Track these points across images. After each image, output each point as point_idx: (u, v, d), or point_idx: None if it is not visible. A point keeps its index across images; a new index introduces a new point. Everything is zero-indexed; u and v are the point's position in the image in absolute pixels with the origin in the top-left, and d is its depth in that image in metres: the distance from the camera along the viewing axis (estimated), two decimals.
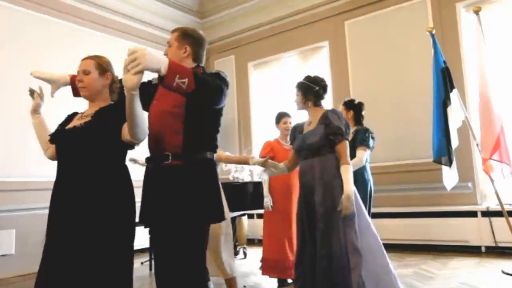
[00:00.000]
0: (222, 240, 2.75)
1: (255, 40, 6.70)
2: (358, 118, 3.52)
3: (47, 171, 4.69)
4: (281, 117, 3.71)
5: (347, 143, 2.38)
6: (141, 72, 1.49)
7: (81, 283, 1.63)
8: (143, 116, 1.69)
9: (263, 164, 2.56)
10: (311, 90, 2.58)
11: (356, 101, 3.57)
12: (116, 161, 1.83)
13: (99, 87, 1.88)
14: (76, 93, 2.06)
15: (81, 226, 1.67)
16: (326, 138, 2.37)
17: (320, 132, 2.40)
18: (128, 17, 6.03)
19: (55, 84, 2.08)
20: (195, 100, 1.75)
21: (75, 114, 1.98)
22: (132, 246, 1.81)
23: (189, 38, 1.94)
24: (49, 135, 1.90)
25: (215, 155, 1.96)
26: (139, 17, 6.19)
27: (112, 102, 1.92)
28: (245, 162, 2.71)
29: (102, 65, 1.90)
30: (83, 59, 1.91)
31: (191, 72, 1.64)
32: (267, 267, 3.45)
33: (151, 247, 1.93)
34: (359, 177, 3.36)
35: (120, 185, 1.79)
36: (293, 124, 2.98)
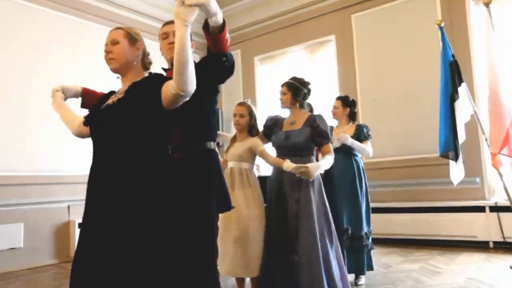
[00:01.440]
0: (256, 237, 2.57)
1: (261, 34, 6.66)
2: (353, 115, 3.55)
3: (55, 165, 4.77)
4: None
5: (330, 144, 2.64)
6: (197, 6, 1.42)
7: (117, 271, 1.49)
8: (192, 65, 1.50)
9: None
10: (301, 91, 2.76)
11: (351, 99, 3.58)
12: (156, 139, 1.62)
13: (130, 57, 1.71)
14: (83, 105, 2.02)
15: (120, 210, 1.53)
16: (310, 141, 2.60)
17: (306, 134, 2.59)
18: (135, 12, 6.01)
19: (67, 93, 2.01)
20: (218, 71, 1.81)
21: (111, 93, 1.82)
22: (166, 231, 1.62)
23: None
24: (84, 117, 1.76)
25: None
26: (147, 12, 6.17)
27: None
28: (279, 165, 2.52)
29: (132, 35, 1.74)
30: (111, 30, 1.77)
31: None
32: None
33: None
34: (362, 172, 3.43)
35: (158, 171, 1.60)
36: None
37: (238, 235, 2.51)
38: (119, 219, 1.52)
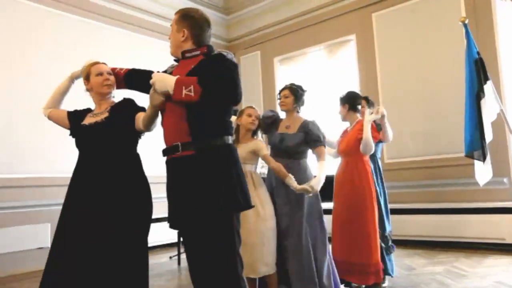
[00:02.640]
0: (269, 236, 2.57)
1: (280, 35, 6.66)
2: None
3: None
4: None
5: (323, 148, 2.75)
6: (159, 94, 1.74)
7: (94, 273, 1.80)
8: (157, 119, 1.93)
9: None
10: (302, 97, 2.92)
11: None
12: (131, 150, 2.09)
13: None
14: (129, 85, 2.26)
15: (98, 214, 1.87)
16: (303, 145, 2.75)
17: (300, 139, 2.74)
18: (153, 14, 6.12)
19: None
20: (212, 104, 1.73)
21: (87, 110, 2.23)
22: (147, 231, 2.00)
23: (188, 20, 1.89)
24: (70, 129, 2.20)
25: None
26: (165, 14, 6.26)
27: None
28: (282, 177, 2.57)
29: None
30: (98, 63, 2.17)
31: (195, 80, 1.68)
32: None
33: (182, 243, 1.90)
34: (379, 172, 3.42)
35: (135, 173, 2.02)
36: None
37: (256, 236, 2.53)
38: (97, 220, 1.86)
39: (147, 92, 1.85)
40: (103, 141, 2.01)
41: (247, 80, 7.08)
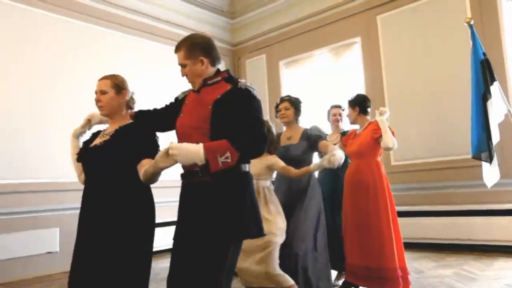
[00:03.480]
0: (277, 249, 2.56)
1: (285, 39, 6.68)
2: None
3: None
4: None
5: (325, 141, 2.91)
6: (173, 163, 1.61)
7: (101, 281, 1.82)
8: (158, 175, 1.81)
9: None
10: (300, 108, 3.08)
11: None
12: (135, 178, 1.86)
13: (116, 105, 1.98)
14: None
15: (103, 234, 1.84)
16: (308, 153, 2.92)
17: (304, 147, 2.90)
18: (157, 19, 6.16)
19: (94, 120, 2.24)
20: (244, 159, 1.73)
21: (98, 132, 2.10)
22: (150, 257, 1.97)
23: (198, 47, 1.81)
24: (77, 154, 2.06)
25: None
26: (170, 19, 6.31)
27: (131, 121, 2.02)
28: (307, 171, 2.67)
29: (118, 84, 1.99)
30: (99, 79, 2.02)
31: (227, 143, 1.60)
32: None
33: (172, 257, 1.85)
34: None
35: (140, 198, 1.91)
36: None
37: (265, 252, 2.51)
38: (103, 237, 1.83)
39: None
40: (99, 165, 1.89)
41: (253, 83, 7.03)
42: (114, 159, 1.86)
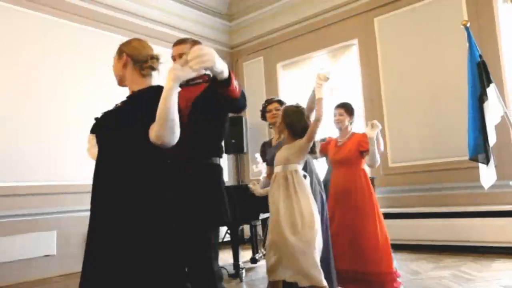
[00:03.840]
0: (317, 246, 2.39)
1: (283, 41, 6.70)
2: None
3: (86, 175, 4.90)
4: None
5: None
6: (200, 69, 1.45)
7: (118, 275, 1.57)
8: (177, 118, 1.52)
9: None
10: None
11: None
12: (145, 158, 1.63)
13: (119, 71, 1.85)
14: None
15: (118, 212, 1.62)
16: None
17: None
18: (156, 22, 6.17)
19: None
20: (228, 108, 1.92)
21: None
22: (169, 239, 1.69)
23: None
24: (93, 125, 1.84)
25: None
26: (168, 22, 6.32)
27: (145, 86, 1.77)
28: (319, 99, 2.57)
29: (120, 48, 1.87)
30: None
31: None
32: None
33: None
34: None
35: (149, 183, 1.64)
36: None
37: (296, 247, 2.32)
38: (117, 222, 1.60)
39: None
40: (107, 135, 1.70)
41: (251, 86, 7.10)
42: (121, 131, 1.64)
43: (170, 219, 1.68)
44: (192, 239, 1.88)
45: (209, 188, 1.94)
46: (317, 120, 2.47)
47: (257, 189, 2.90)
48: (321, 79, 2.54)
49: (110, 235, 1.60)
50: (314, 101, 2.58)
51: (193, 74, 1.48)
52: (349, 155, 3.15)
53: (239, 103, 1.86)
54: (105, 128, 1.72)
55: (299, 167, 2.53)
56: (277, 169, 2.54)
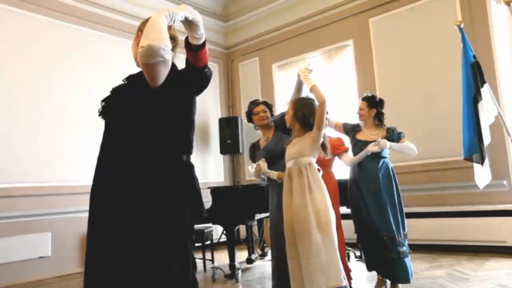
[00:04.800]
0: (329, 244, 2.30)
1: (278, 41, 6.70)
2: (380, 116, 3.33)
3: (80, 176, 4.88)
4: None
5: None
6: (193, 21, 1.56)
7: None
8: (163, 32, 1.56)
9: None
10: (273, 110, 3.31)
11: (377, 98, 3.36)
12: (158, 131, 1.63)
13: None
14: None
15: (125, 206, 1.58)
16: (282, 142, 2.83)
17: (278, 136, 3.03)
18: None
19: None
20: (188, 82, 1.72)
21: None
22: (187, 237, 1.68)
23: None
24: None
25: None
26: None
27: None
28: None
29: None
30: None
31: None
32: None
33: None
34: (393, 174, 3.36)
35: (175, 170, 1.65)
36: None
37: (311, 246, 2.27)
38: (125, 217, 1.56)
39: None
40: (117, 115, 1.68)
41: (246, 87, 7.11)
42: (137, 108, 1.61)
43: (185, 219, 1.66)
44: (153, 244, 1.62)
45: (172, 187, 1.68)
46: (322, 103, 2.45)
47: (265, 167, 2.78)
48: (304, 72, 2.61)
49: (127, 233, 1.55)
50: (299, 94, 2.72)
51: (180, 14, 1.54)
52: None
53: (209, 72, 1.74)
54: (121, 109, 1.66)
55: (313, 160, 2.47)
56: (289, 163, 2.48)
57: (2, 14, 4.58)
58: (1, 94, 4.46)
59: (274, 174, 2.74)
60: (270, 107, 3.23)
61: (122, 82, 1.81)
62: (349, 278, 2.92)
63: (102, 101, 1.77)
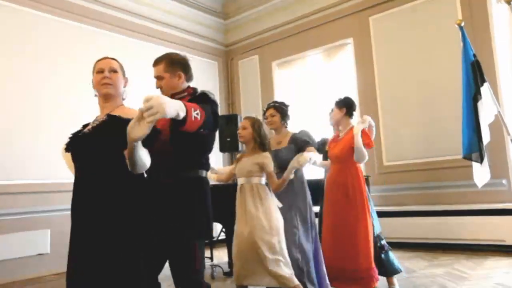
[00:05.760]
0: (277, 247, 2.50)
1: (278, 39, 6.69)
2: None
3: None
4: None
5: (312, 148, 2.88)
6: (154, 121, 1.42)
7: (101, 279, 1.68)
8: (145, 157, 1.64)
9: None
10: (286, 113, 3.10)
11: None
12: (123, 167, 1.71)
13: (121, 88, 1.88)
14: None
15: (96, 228, 1.69)
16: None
17: (292, 151, 2.87)
18: (151, 20, 6.13)
19: None
20: (202, 129, 1.77)
21: (88, 124, 1.97)
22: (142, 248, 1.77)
23: (178, 64, 2.03)
24: (65, 144, 1.91)
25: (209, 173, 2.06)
26: (163, 20, 6.28)
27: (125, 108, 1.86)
28: (285, 180, 2.64)
29: (123, 69, 1.95)
30: (105, 58, 1.91)
31: (195, 104, 1.69)
32: None
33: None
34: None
35: (132, 188, 1.73)
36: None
37: (263, 251, 2.46)
38: (100, 232, 1.68)
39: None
40: (86, 153, 1.74)
41: (246, 84, 7.10)
42: (101, 147, 1.69)
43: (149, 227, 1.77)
44: (174, 252, 1.87)
45: (190, 201, 1.89)
46: (274, 180, 2.62)
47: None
48: (299, 163, 2.55)
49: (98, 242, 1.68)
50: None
51: (150, 127, 1.46)
52: (342, 151, 3.13)
53: (206, 126, 1.75)
54: (84, 149, 1.78)
55: (263, 180, 2.65)
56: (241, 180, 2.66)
57: (3, 13, 4.56)
58: (0, 92, 4.44)
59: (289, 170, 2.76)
60: (280, 110, 3.06)
61: None
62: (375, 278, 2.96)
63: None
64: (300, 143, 2.90)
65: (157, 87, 2.04)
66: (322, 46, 6.18)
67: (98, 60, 1.91)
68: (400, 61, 5.32)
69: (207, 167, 2.03)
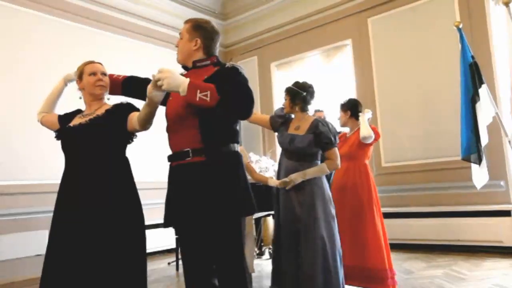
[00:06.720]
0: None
1: (277, 40, 6.70)
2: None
3: None
4: None
5: (335, 149, 2.60)
6: (162, 91, 1.68)
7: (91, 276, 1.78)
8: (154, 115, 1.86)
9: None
10: (299, 95, 2.71)
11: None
12: (119, 153, 2.02)
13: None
14: (126, 93, 2.25)
15: (88, 223, 1.82)
16: (313, 147, 2.57)
17: (309, 141, 2.56)
18: (150, 21, 6.14)
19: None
20: (225, 114, 1.76)
21: (79, 111, 2.21)
22: (143, 236, 1.97)
23: (201, 31, 1.90)
24: (56, 131, 2.21)
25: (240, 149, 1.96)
26: (161, 21, 6.29)
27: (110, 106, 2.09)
28: (265, 181, 2.66)
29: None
30: (93, 62, 2.18)
31: (212, 86, 1.67)
32: None
33: (181, 248, 1.94)
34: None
35: (123, 178, 1.96)
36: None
37: None
38: (89, 229, 1.82)
39: (144, 99, 1.82)
40: (85, 143, 1.94)
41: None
42: (101, 138, 1.93)
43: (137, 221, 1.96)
44: (219, 233, 1.75)
45: (230, 177, 1.77)
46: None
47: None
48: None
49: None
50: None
51: (163, 94, 1.74)
52: (351, 149, 3.18)
53: (222, 111, 1.70)
54: (78, 141, 2.01)
55: None
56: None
57: (3, 13, 4.55)
58: (0, 91, 4.44)
59: (273, 182, 2.65)
60: (290, 92, 2.76)
61: None
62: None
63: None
64: (322, 140, 2.56)
65: (176, 46, 1.97)
66: (321, 47, 6.19)
67: (87, 64, 2.17)
68: (398, 62, 5.33)
69: (237, 139, 1.89)
